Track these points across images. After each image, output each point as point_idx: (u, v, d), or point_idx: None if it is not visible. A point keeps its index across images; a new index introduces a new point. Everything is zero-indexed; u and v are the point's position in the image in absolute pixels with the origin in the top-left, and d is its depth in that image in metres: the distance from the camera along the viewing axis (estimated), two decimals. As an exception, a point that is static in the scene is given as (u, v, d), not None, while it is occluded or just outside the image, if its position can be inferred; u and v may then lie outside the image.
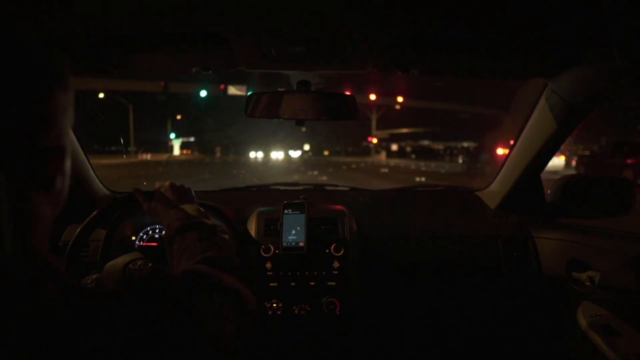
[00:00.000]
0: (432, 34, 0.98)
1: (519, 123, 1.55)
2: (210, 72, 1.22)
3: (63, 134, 0.48)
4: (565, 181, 1.51)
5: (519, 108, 1.60)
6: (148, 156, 28.50)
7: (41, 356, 0.36)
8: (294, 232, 1.43)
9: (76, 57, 1.07)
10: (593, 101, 1.23)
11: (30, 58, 0.44)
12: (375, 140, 40.96)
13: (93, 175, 1.64)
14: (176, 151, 37.40)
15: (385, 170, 20.50)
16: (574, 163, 16.26)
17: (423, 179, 14.95)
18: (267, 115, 1.27)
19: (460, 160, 23.08)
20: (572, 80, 1.18)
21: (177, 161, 28.87)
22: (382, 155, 37.14)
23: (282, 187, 1.99)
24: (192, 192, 1.05)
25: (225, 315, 0.55)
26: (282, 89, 1.29)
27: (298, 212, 1.46)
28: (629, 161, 11.56)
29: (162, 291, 0.50)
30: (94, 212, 1.14)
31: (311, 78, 1.29)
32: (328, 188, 2.00)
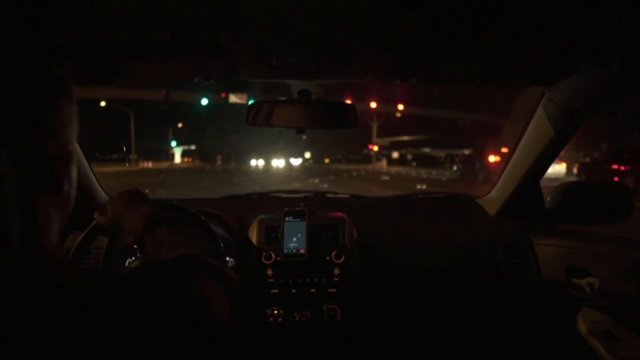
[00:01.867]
0: (431, 44, 1.00)
1: (517, 131, 1.57)
2: (212, 81, 1.24)
3: (69, 143, 0.49)
4: (564, 187, 1.52)
5: (517, 116, 1.62)
6: (149, 164, 28.49)
7: (44, 354, 0.37)
8: (294, 239, 1.44)
9: (78, 66, 1.09)
10: (590, 109, 1.25)
11: (36, 71, 0.46)
12: (376, 148, 40.88)
13: (95, 183, 1.66)
14: (177, 159, 37.41)
15: (386, 177, 20.42)
16: (575, 170, 16.17)
17: (424, 187, 14.92)
18: (268, 123, 1.28)
19: (455, 168, 23.06)
20: (568, 89, 1.20)
21: (179, 169, 28.85)
22: (383, 163, 37.05)
23: (283, 195, 2.00)
24: (145, 194, 0.95)
25: (216, 294, 0.57)
26: (283, 98, 1.31)
27: (299, 220, 1.46)
28: (623, 168, 11.53)
29: (157, 277, 0.52)
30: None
31: (311, 87, 1.31)
32: (329, 195, 2.01)
